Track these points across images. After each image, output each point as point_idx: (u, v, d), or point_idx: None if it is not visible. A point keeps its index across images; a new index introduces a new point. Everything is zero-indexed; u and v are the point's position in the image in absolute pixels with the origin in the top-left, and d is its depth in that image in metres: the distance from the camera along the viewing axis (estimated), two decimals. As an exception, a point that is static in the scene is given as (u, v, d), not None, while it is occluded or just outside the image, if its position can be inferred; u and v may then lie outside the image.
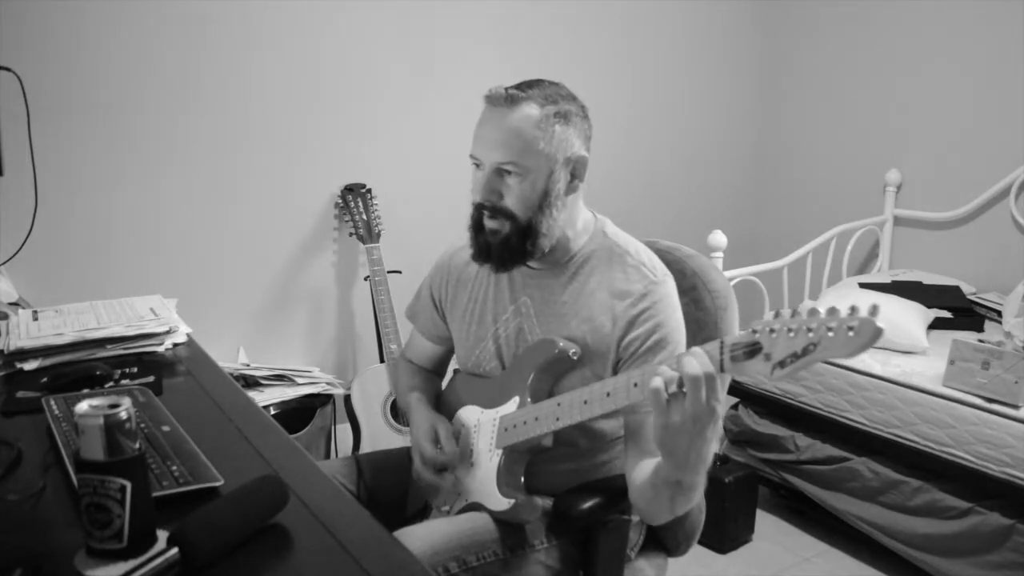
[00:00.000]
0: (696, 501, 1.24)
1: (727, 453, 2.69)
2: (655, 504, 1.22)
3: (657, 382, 1.03)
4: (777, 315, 0.95)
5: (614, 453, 1.40)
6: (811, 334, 0.91)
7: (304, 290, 2.76)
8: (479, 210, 1.32)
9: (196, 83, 2.47)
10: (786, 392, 2.54)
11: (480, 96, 1.31)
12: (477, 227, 1.34)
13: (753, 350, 0.96)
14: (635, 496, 1.25)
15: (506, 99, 1.27)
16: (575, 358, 1.31)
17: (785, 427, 2.55)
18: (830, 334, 0.89)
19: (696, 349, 1.04)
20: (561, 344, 1.31)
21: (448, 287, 1.50)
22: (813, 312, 0.92)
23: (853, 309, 0.89)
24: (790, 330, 0.93)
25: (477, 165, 1.31)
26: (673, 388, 1.03)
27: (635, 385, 1.13)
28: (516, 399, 1.33)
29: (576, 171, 1.32)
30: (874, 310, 0.87)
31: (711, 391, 1.01)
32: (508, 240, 1.30)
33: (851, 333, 0.88)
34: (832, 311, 0.90)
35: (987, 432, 2.06)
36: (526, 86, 1.29)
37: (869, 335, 0.87)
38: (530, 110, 1.26)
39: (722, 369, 1.01)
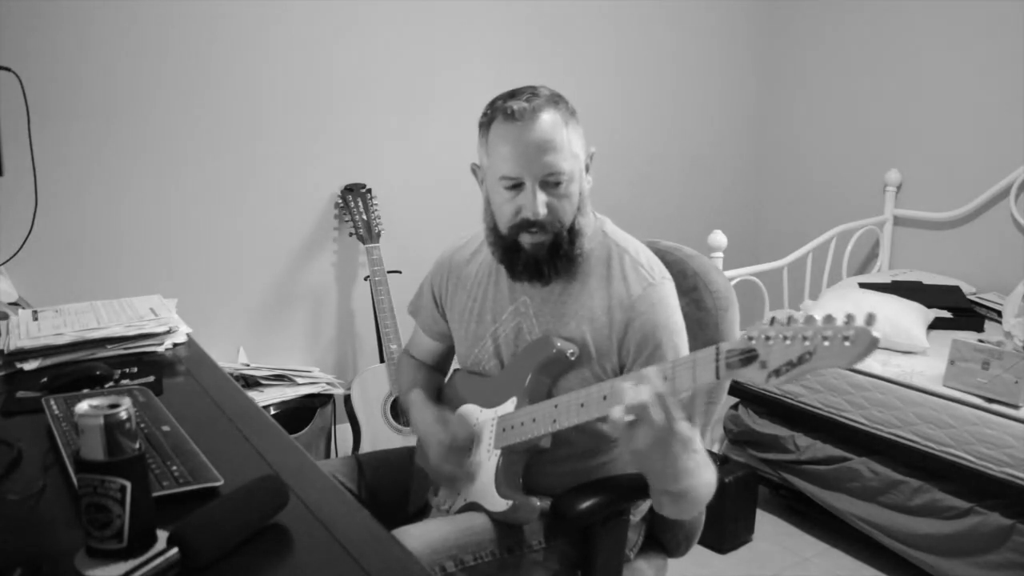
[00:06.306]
0: (703, 500, 1.23)
1: (727, 453, 2.69)
2: (664, 509, 1.25)
3: (617, 413, 1.04)
4: (773, 322, 0.94)
5: (613, 454, 1.40)
6: (807, 343, 0.90)
7: (304, 290, 2.76)
8: (517, 230, 1.28)
9: (196, 83, 2.46)
10: (786, 392, 2.53)
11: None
12: (513, 248, 1.31)
13: (749, 357, 0.95)
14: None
15: (531, 111, 1.23)
16: (572, 359, 1.30)
17: (785, 427, 2.55)
18: (826, 343, 0.88)
19: (640, 372, 1.06)
20: (559, 344, 1.30)
21: (448, 284, 1.50)
22: (809, 319, 0.91)
23: (849, 318, 0.87)
24: (786, 338, 0.92)
25: (514, 186, 1.27)
26: (631, 417, 1.04)
27: None
28: (514, 399, 1.33)
29: (589, 167, 1.33)
30: (870, 319, 0.86)
31: (666, 411, 1.03)
32: (557, 248, 1.29)
33: (847, 343, 0.87)
34: (828, 319, 0.89)
35: (987, 432, 2.06)
36: (530, 95, 1.26)
37: (865, 345, 0.86)
38: (551, 116, 1.25)
39: (718, 376, 1.00)
